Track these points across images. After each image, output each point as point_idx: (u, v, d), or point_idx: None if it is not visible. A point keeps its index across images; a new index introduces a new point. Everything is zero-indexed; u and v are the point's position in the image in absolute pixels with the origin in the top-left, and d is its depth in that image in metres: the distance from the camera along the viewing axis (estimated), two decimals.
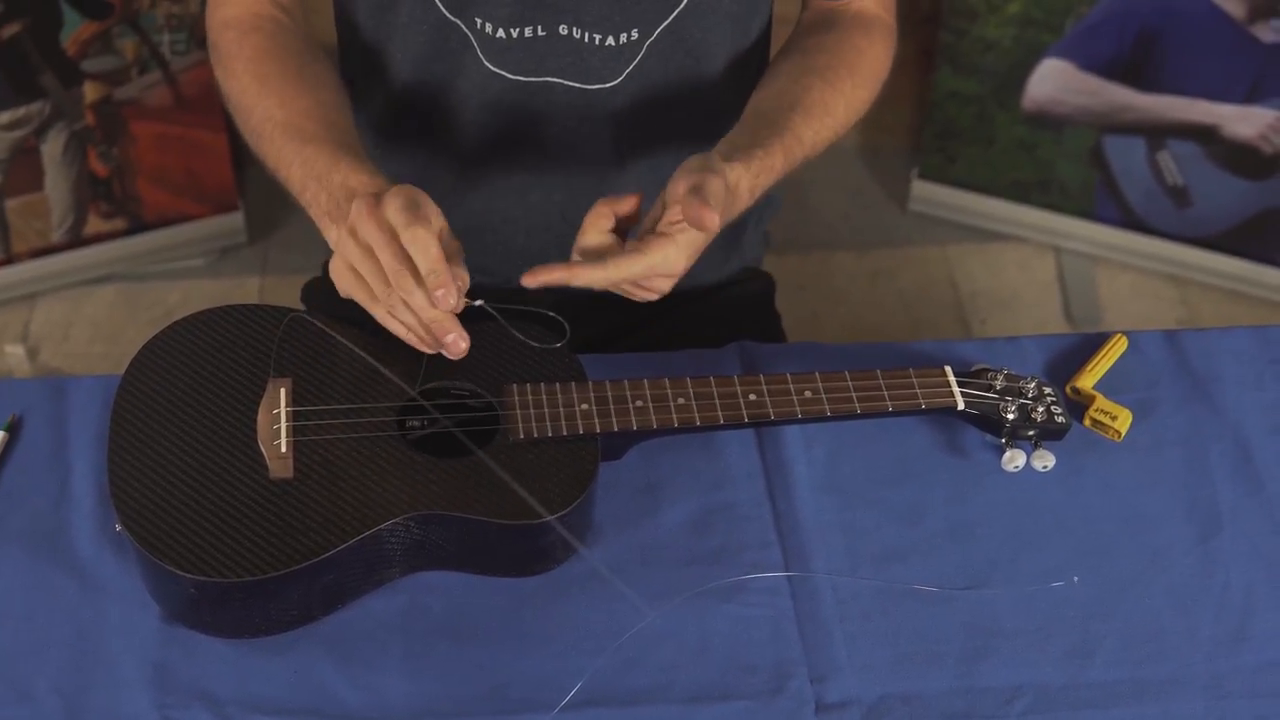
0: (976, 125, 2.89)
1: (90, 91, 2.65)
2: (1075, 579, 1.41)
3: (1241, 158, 2.76)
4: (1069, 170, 2.90)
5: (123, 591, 1.35)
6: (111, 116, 2.69)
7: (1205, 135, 2.75)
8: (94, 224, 2.81)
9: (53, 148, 2.68)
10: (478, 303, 1.33)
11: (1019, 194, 2.97)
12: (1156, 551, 1.44)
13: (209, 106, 2.72)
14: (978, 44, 2.77)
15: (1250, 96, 2.68)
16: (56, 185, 2.73)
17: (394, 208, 1.29)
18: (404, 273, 1.29)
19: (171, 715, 1.28)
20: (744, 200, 1.44)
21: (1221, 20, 2.60)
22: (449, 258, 1.31)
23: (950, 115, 2.90)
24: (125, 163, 2.76)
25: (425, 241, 1.28)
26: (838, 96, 1.55)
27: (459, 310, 1.31)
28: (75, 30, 2.57)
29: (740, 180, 1.42)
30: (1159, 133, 2.78)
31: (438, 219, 1.33)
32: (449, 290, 1.29)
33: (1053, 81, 2.78)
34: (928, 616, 1.38)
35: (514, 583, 1.37)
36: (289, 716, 1.28)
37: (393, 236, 1.29)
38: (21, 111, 2.62)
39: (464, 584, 1.37)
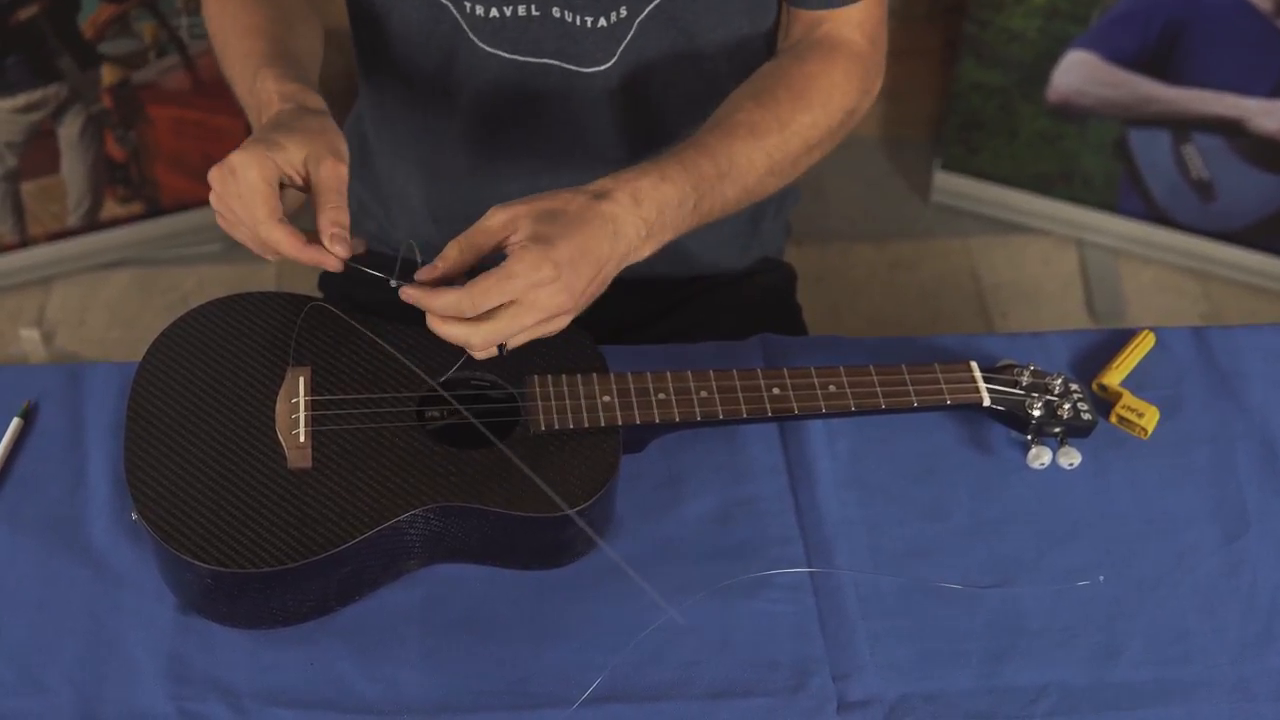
0: (1000, 117, 2.88)
1: (108, 74, 2.65)
2: (1101, 578, 1.39)
3: (1267, 151, 2.74)
4: (1093, 163, 2.88)
5: (138, 581, 1.34)
6: (129, 100, 2.69)
7: (1231, 129, 2.73)
8: (110, 208, 2.80)
9: (69, 131, 2.68)
10: (394, 283, 1.31)
11: (1042, 186, 2.95)
12: (1183, 551, 1.43)
13: (227, 91, 2.69)
14: (1002, 35, 2.76)
15: (1276, 90, 2.66)
16: (73, 168, 2.72)
17: (248, 188, 1.31)
18: (264, 247, 1.34)
19: (187, 707, 1.27)
20: (625, 208, 1.35)
21: (1248, 13, 2.58)
22: (325, 191, 1.33)
23: (974, 106, 2.88)
24: (142, 146, 2.75)
25: (277, 241, 1.31)
26: (770, 118, 1.49)
27: (345, 255, 1.33)
28: (93, 12, 2.56)
29: (608, 187, 1.35)
30: (1184, 126, 2.76)
31: (298, 151, 1.34)
32: (325, 259, 1.32)
33: (1077, 73, 2.76)
34: (952, 614, 1.37)
35: (534, 576, 1.36)
36: (305, 709, 1.28)
37: (244, 212, 1.32)
38: (38, 94, 2.61)
39: (483, 577, 1.36)
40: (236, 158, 1.31)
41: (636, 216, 1.35)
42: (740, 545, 1.40)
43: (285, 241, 1.31)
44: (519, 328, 1.29)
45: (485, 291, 1.27)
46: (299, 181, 1.34)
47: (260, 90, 1.43)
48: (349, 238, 1.33)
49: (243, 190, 1.31)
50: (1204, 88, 2.71)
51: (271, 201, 1.31)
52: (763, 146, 1.47)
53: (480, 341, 1.29)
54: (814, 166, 1.58)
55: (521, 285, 1.27)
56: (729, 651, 1.33)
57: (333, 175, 1.34)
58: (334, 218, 1.33)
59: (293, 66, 1.46)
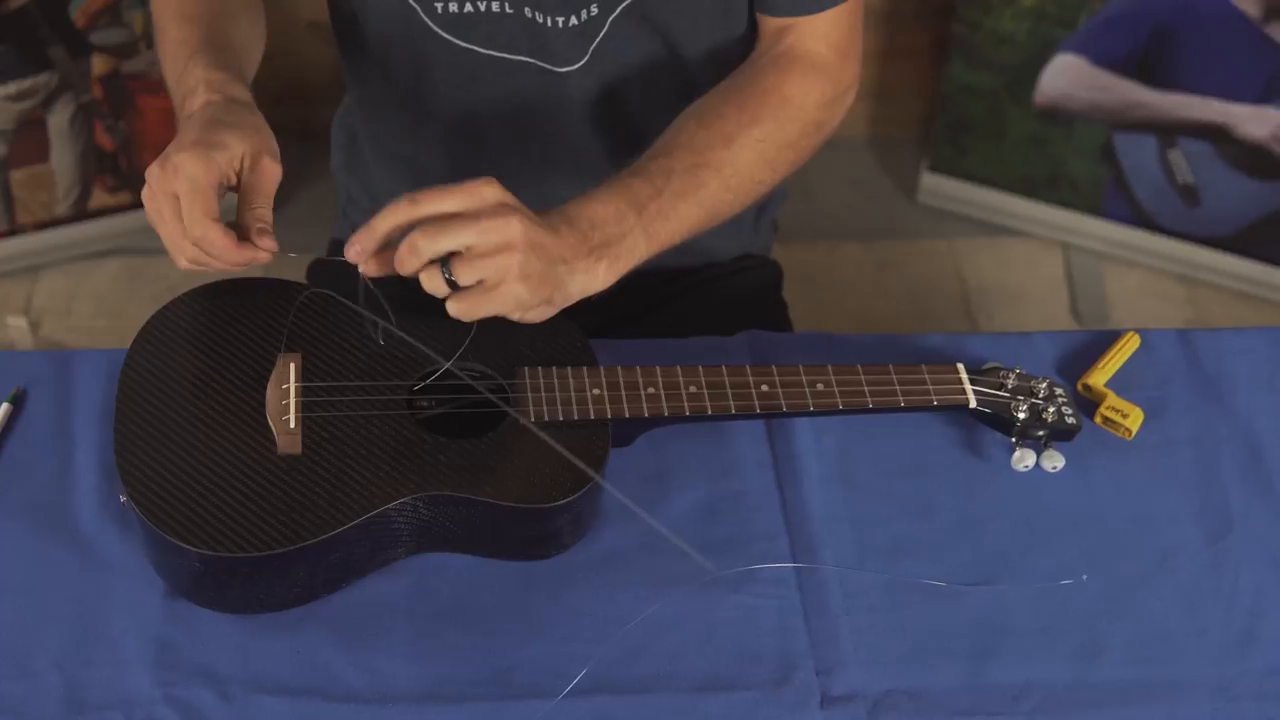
0: (988, 119, 2.88)
1: (98, 64, 2.64)
2: (1084, 577, 1.40)
3: (1253, 158, 2.75)
4: (1079, 166, 2.89)
5: (125, 568, 1.34)
6: (119, 90, 2.68)
7: (1217, 134, 2.74)
8: (99, 197, 2.80)
9: (59, 120, 2.67)
10: (359, 275, 1.32)
11: (1029, 189, 2.96)
12: (1166, 551, 1.43)
13: None
14: (991, 37, 2.76)
15: (1264, 96, 2.67)
16: (62, 158, 2.72)
17: (188, 186, 1.30)
18: (195, 248, 1.33)
19: (173, 693, 1.27)
20: (560, 223, 1.34)
21: (1237, 19, 2.59)
22: (254, 193, 1.35)
23: (962, 108, 2.89)
24: (132, 136, 2.75)
25: (211, 244, 1.31)
26: (714, 135, 1.47)
27: (273, 249, 1.34)
28: (84, 2, 2.56)
29: (538, 213, 1.34)
30: (1171, 131, 2.77)
31: (239, 147, 1.34)
32: (257, 255, 1.33)
33: (1065, 77, 2.77)
34: (936, 612, 1.37)
35: (521, 567, 1.36)
36: (291, 696, 1.28)
37: (177, 212, 1.31)
38: (28, 83, 2.61)
39: (470, 567, 1.36)
40: (180, 158, 1.30)
41: (574, 231, 1.34)
42: (726, 540, 1.40)
43: (220, 241, 1.31)
44: (467, 238, 1.26)
45: (429, 199, 1.27)
46: (233, 180, 1.35)
47: (188, 76, 1.42)
48: (273, 233, 1.35)
49: (182, 188, 1.30)
50: (1191, 93, 2.71)
51: (209, 202, 1.31)
52: (709, 162, 1.45)
53: (424, 243, 1.25)
54: (801, 166, 1.57)
55: (464, 199, 1.26)
56: (713, 645, 1.33)
57: (266, 177, 1.35)
58: (258, 214, 1.34)
59: (224, 56, 1.45)
